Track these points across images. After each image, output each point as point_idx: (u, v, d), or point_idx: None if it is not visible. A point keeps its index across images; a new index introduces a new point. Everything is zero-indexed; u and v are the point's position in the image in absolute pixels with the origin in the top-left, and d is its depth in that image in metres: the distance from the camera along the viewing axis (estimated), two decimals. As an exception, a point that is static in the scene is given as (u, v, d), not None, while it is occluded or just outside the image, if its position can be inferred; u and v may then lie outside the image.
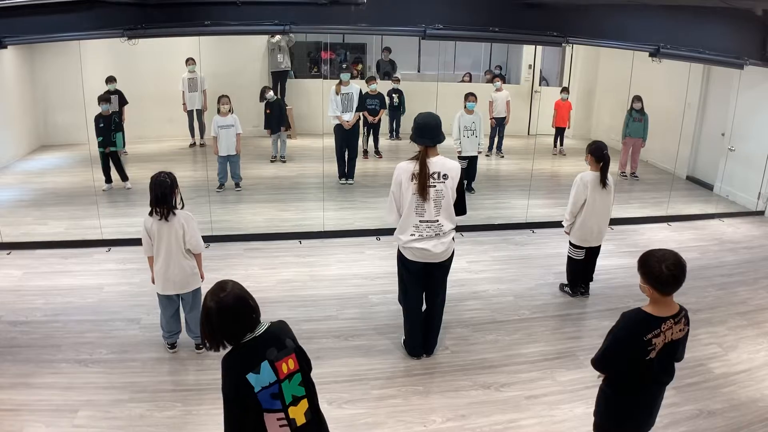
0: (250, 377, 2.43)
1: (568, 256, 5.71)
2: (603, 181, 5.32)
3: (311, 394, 2.63)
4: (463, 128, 8.30)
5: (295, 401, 2.54)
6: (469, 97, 8.40)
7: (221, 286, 2.48)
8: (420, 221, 4.18)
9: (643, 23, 6.65)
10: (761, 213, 8.54)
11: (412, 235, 4.22)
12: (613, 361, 2.92)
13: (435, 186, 4.13)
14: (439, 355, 4.70)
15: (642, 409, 3.00)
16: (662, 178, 9.74)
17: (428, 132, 4.12)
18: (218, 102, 8.16)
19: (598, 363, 2.98)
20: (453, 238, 4.36)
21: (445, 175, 4.14)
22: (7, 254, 6.31)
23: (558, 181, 9.67)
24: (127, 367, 4.39)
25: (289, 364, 2.51)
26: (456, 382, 4.35)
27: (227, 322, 2.43)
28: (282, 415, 2.52)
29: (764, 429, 3.92)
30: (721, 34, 7.01)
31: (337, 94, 8.55)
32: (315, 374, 4.20)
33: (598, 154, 5.29)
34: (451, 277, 4.91)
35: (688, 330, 2.87)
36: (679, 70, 8.17)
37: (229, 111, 8.13)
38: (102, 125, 7.93)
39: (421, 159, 4.11)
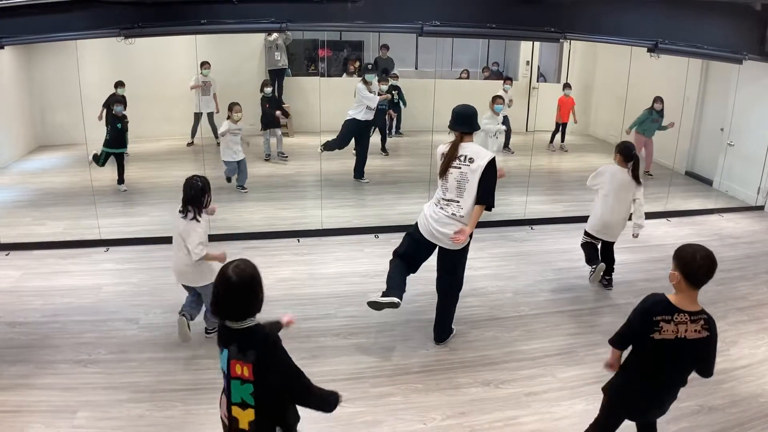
0: (220, 355, 2.61)
1: (581, 243, 5.80)
2: (636, 179, 5.45)
3: (263, 411, 2.56)
4: (495, 131, 8.16)
5: (243, 405, 2.56)
6: (497, 99, 8.21)
7: (249, 265, 2.57)
8: (442, 198, 4.39)
9: (641, 18, 6.64)
10: (761, 208, 8.54)
11: (436, 204, 4.42)
12: (626, 336, 3.04)
13: (460, 168, 4.30)
14: (438, 352, 4.69)
15: (644, 391, 3.02)
16: (661, 174, 9.71)
17: (464, 119, 4.37)
18: (230, 110, 8.00)
19: (614, 337, 3.10)
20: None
21: (471, 158, 4.27)
22: (6, 255, 6.29)
23: (558, 177, 9.68)
24: (126, 367, 4.38)
25: (243, 371, 2.52)
26: (455, 379, 4.34)
27: (231, 298, 2.52)
28: (227, 408, 2.59)
29: (765, 425, 3.92)
30: (720, 29, 7.00)
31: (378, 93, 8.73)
32: (314, 372, 4.21)
33: (626, 153, 5.42)
34: (450, 274, 4.93)
35: (710, 338, 2.85)
36: (678, 65, 8.16)
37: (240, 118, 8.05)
38: (120, 126, 7.96)
39: (455, 143, 4.34)
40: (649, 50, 6.75)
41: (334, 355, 4.59)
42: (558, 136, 11.07)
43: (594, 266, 5.67)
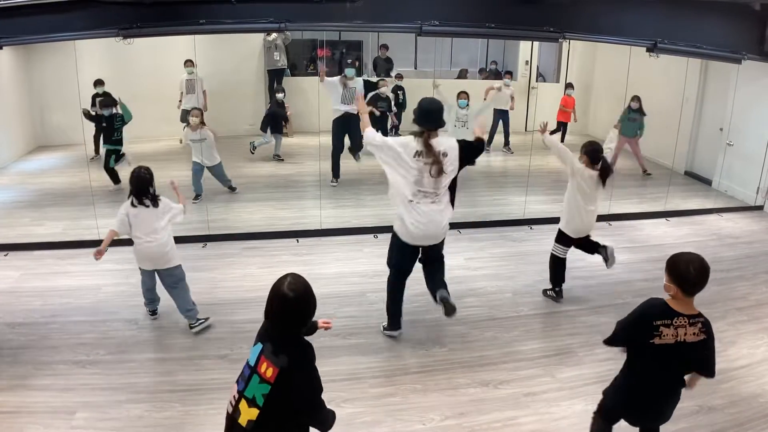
0: (253, 347, 2.63)
1: (552, 254, 5.54)
2: (603, 183, 5.22)
3: (267, 416, 2.54)
4: (455, 118, 8.42)
5: (251, 403, 2.54)
6: (461, 95, 8.48)
7: (301, 279, 2.60)
8: (419, 191, 4.32)
9: (640, 18, 6.63)
10: (760, 208, 8.53)
11: (410, 200, 4.33)
12: (618, 336, 3.05)
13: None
14: (437, 352, 4.69)
15: (647, 396, 3.03)
16: (660, 173, 9.73)
17: (432, 116, 4.30)
18: (189, 114, 7.79)
19: (608, 338, 3.09)
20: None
21: (445, 153, 4.29)
22: (5, 256, 6.29)
23: (557, 177, 9.64)
24: (125, 368, 4.37)
25: (267, 371, 2.53)
26: (454, 379, 4.34)
27: (285, 312, 2.55)
28: (236, 396, 2.59)
29: (765, 424, 3.91)
30: (719, 29, 6.99)
31: (345, 87, 8.38)
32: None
33: (593, 156, 5.18)
34: (449, 274, 4.90)
35: (707, 340, 2.88)
36: (677, 65, 8.16)
37: (200, 124, 7.55)
38: (105, 125, 7.95)
39: (426, 141, 4.26)
40: (648, 50, 6.74)
41: (333, 356, 4.58)
42: (557, 136, 11.06)
43: (555, 295, 5.56)
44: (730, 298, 5.75)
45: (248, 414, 2.54)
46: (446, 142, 4.33)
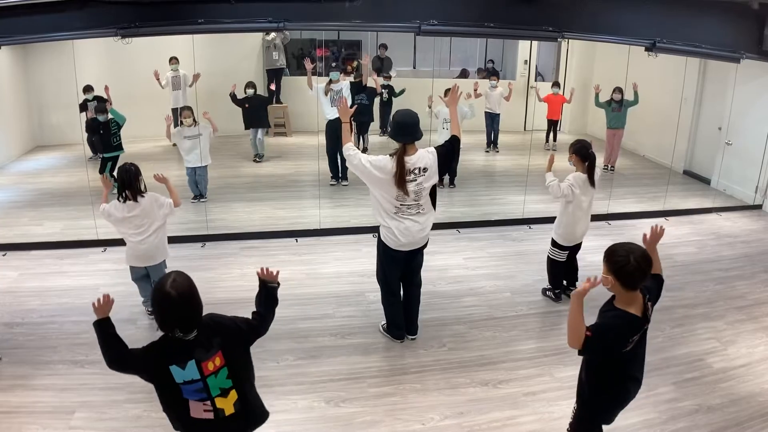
0: (173, 368, 2.52)
1: (550, 258, 5.53)
2: (592, 182, 5.16)
3: (240, 384, 2.65)
4: (443, 120, 8.39)
5: (224, 393, 2.60)
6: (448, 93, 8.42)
7: (177, 278, 2.56)
8: (402, 205, 4.29)
9: (639, 18, 6.63)
10: (759, 207, 8.54)
11: (395, 213, 4.30)
12: (598, 354, 2.96)
13: (416, 180, 4.23)
14: (436, 352, 4.68)
15: (634, 389, 3.06)
16: (659, 173, 9.73)
17: (408, 129, 4.22)
18: (180, 116, 7.74)
19: (587, 346, 2.91)
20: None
21: (424, 168, 4.24)
22: (3, 255, 6.28)
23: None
24: (123, 367, 4.37)
25: (215, 362, 2.57)
26: (454, 379, 4.33)
27: (175, 312, 2.51)
28: (208, 403, 2.59)
29: (764, 424, 3.91)
30: (718, 28, 6.99)
31: (326, 94, 8.41)
32: (312, 372, 4.20)
33: (583, 153, 5.12)
34: (448, 273, 4.90)
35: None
36: (676, 64, 8.16)
37: (194, 122, 7.49)
38: (102, 132, 7.92)
39: (399, 156, 4.18)
40: (647, 49, 6.73)
41: (332, 355, 4.57)
42: (552, 134, 11.09)
43: (554, 296, 5.55)
44: (729, 297, 5.75)
45: (230, 400, 2.61)
46: (425, 156, 4.25)
